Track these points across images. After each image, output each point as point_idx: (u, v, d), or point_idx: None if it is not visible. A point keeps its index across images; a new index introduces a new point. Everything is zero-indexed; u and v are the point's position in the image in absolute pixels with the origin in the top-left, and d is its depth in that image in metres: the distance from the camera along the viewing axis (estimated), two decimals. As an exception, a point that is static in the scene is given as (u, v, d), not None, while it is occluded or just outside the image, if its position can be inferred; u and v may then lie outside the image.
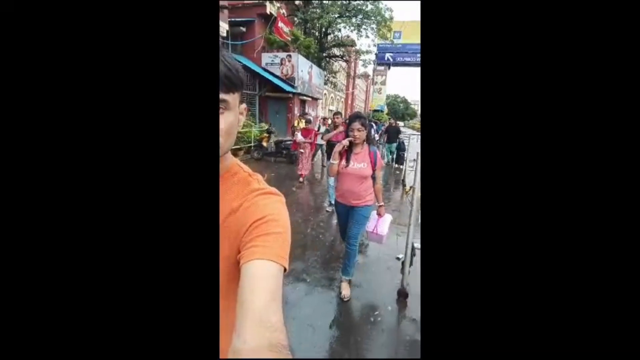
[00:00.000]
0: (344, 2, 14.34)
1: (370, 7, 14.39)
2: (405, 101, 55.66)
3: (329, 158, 4.01)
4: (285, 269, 0.45)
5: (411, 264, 2.22)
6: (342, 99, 29.72)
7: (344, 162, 2.04)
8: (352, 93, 32.50)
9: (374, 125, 8.43)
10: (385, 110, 31.46)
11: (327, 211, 4.11)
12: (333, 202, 3.50)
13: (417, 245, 2.33)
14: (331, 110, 22.67)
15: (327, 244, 3.12)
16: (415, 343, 1.77)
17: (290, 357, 0.35)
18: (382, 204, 2.19)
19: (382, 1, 14.24)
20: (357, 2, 14.27)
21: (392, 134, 7.93)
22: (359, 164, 2.03)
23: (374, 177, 2.07)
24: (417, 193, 2.14)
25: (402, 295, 2.18)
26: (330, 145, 3.90)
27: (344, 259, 2.22)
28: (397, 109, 46.54)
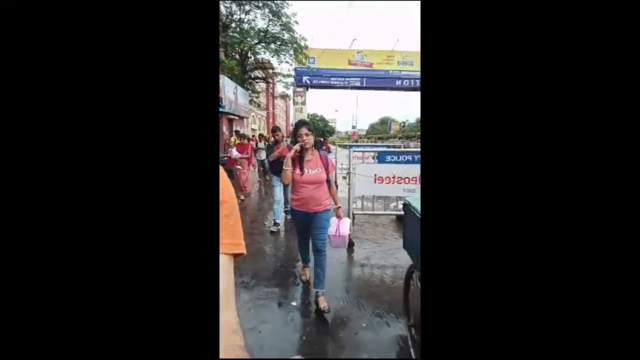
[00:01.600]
0: (261, 29, 15.54)
1: (287, 35, 15.92)
2: (323, 119, 59.72)
3: (274, 173, 3.79)
4: (241, 253, 0.43)
5: (353, 224, 3.22)
6: (264, 118, 30.74)
7: (298, 170, 2.02)
8: (273, 112, 33.81)
9: None
10: (307, 128, 33.49)
11: (271, 232, 3.68)
12: (278, 220, 3.69)
13: (355, 212, 3.36)
14: (254, 129, 23.28)
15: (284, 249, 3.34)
16: (361, 272, 2.75)
17: (248, 357, 0.36)
18: (339, 205, 2.21)
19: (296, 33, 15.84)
20: (274, 29, 15.65)
21: (318, 147, 9.15)
22: (313, 170, 2.04)
23: (328, 181, 2.11)
24: (352, 177, 3.18)
25: (351, 245, 3.18)
26: (276, 162, 3.52)
27: (316, 269, 2.14)
28: (318, 126, 49.76)
